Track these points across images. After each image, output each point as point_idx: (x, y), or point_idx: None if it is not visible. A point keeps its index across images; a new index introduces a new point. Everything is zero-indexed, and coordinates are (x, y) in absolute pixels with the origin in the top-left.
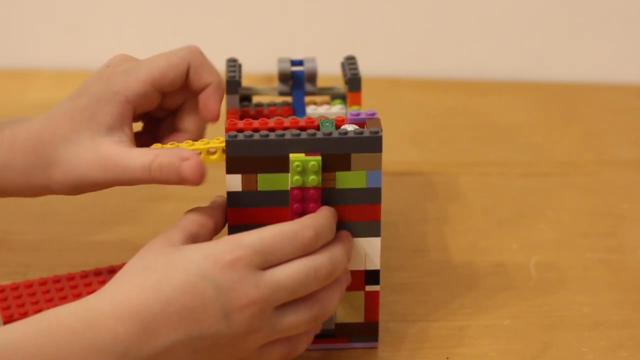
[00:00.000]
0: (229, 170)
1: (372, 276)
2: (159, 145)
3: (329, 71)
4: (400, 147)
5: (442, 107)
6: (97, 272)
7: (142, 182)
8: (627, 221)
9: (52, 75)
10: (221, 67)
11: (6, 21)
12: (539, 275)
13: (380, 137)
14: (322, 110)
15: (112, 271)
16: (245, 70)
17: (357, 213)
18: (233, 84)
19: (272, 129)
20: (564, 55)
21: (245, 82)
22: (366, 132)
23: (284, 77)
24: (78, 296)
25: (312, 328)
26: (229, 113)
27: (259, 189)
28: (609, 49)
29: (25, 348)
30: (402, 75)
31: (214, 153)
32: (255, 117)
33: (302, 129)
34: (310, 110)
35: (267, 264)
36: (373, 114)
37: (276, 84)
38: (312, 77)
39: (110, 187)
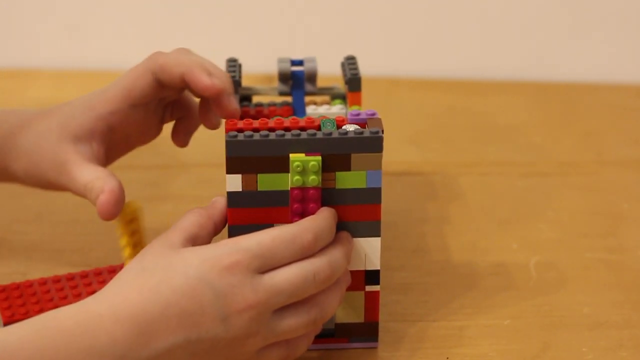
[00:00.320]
0: (229, 170)
1: (372, 276)
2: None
3: (329, 71)
4: (400, 147)
5: (442, 107)
6: (97, 272)
7: (83, 197)
8: (627, 221)
9: (52, 75)
10: (221, 67)
11: (6, 21)
12: (539, 275)
13: (381, 137)
14: (322, 110)
15: (112, 271)
16: (245, 70)
17: (357, 213)
18: (233, 84)
19: (272, 129)
20: (563, 55)
21: (245, 82)
22: (366, 132)
23: (284, 77)
24: (78, 296)
25: (311, 330)
26: None
27: (259, 189)
28: (609, 49)
29: (24, 350)
30: (402, 75)
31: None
32: (255, 117)
33: (302, 129)
34: (310, 110)
35: (266, 268)
36: (373, 114)
37: (276, 84)
38: (312, 77)
39: (63, 191)
